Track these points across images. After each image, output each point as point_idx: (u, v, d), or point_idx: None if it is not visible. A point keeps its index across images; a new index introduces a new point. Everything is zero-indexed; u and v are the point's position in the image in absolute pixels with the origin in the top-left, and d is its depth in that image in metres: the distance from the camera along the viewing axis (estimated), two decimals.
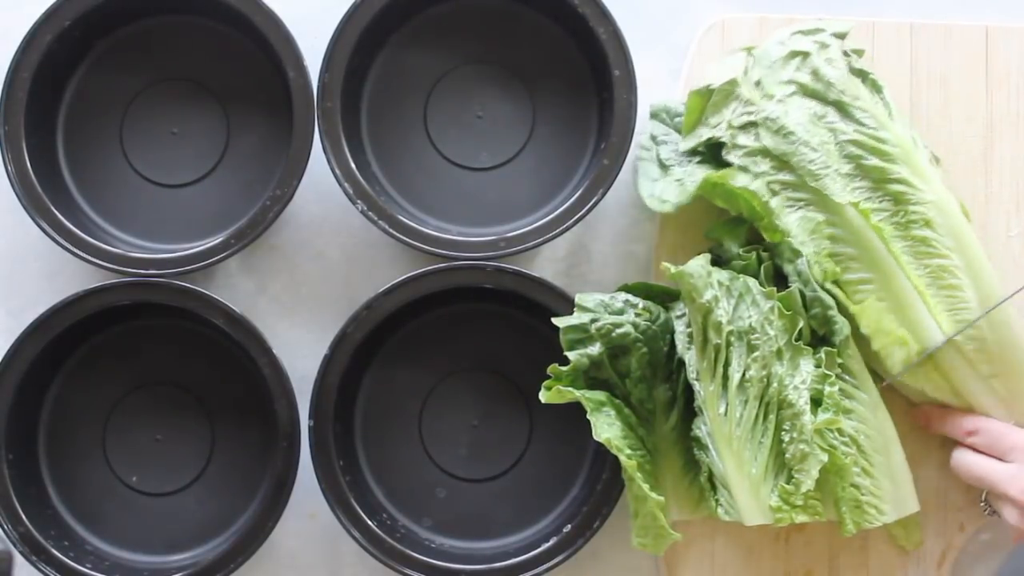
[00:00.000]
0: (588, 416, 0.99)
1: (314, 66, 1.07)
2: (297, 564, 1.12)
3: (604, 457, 1.05)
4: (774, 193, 1.03)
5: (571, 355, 1.01)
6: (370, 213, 1.06)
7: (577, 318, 1.02)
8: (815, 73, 1.02)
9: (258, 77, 1.13)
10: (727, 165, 1.05)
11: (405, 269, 1.13)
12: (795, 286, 1.00)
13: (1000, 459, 0.99)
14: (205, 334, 1.10)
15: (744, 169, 1.03)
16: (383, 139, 1.13)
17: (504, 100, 1.13)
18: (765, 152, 1.02)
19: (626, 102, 1.06)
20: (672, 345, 1.03)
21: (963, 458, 1.02)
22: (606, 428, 0.99)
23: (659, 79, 1.13)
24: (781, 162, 1.01)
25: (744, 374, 0.98)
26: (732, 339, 0.98)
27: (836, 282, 1.02)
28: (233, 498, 1.10)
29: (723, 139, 1.04)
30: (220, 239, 1.06)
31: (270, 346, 1.05)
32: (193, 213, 1.13)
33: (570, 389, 1.00)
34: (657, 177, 1.08)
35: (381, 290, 1.05)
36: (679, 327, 1.02)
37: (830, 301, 1.00)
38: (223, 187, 1.13)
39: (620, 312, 1.02)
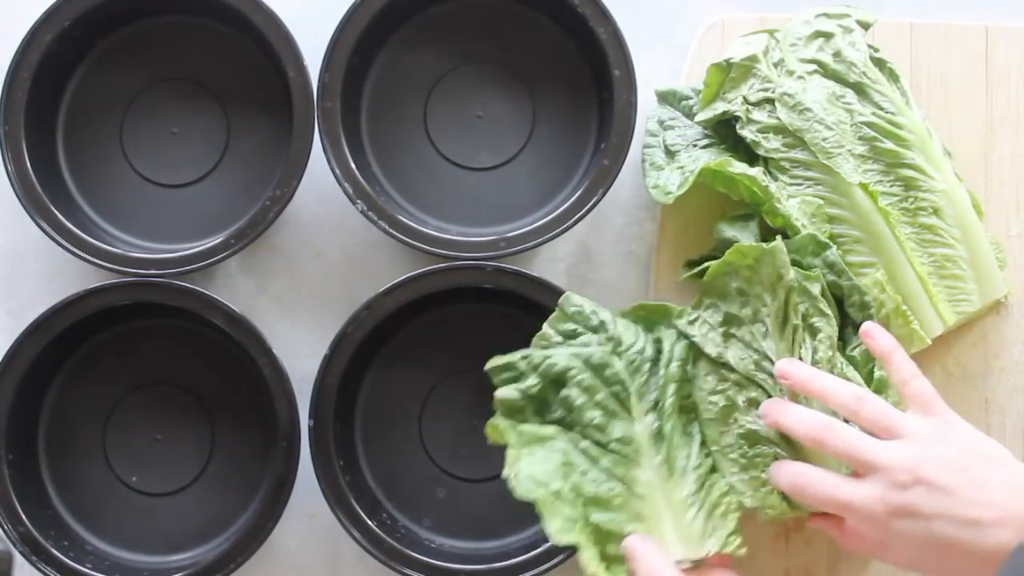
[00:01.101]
0: (508, 449, 0.95)
1: (314, 66, 1.07)
2: (297, 564, 1.12)
3: None
4: (777, 175, 1.03)
5: (501, 394, 0.97)
6: (370, 213, 1.05)
7: (508, 357, 0.98)
8: (837, 54, 1.03)
9: (258, 77, 1.13)
10: (734, 148, 1.06)
11: (405, 269, 1.13)
12: (818, 270, 1.00)
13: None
14: (205, 334, 1.10)
15: (756, 144, 1.03)
16: (383, 139, 1.13)
17: (504, 100, 1.13)
18: (779, 129, 1.02)
19: (626, 102, 1.06)
20: (652, 375, 0.99)
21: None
22: (529, 463, 0.94)
23: (659, 79, 1.13)
24: (795, 139, 1.02)
25: (813, 357, 0.97)
26: (808, 320, 0.98)
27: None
28: (233, 498, 1.10)
29: (738, 113, 1.04)
30: (220, 239, 1.06)
31: (270, 346, 1.05)
32: (193, 213, 1.12)
33: (507, 422, 0.96)
34: (663, 165, 1.08)
35: (381, 290, 1.05)
36: (699, 331, 0.99)
37: (863, 286, 1.00)
38: (223, 187, 1.13)
39: (595, 330, 0.99)
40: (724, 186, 1.06)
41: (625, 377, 0.98)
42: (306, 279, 1.15)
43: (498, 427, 0.96)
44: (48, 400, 1.11)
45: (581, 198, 1.06)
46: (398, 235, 1.05)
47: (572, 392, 0.97)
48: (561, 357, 0.98)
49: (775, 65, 1.05)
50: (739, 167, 1.03)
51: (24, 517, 1.05)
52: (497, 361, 0.98)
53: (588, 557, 0.92)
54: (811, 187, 1.03)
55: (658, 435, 0.98)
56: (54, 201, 1.07)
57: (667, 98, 1.11)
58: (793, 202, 1.02)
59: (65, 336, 1.06)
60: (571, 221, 1.05)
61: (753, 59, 1.05)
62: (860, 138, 1.02)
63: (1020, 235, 1.10)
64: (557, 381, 0.98)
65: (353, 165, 1.06)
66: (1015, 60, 1.12)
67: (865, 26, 1.06)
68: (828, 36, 1.04)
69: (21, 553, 1.04)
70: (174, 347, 1.12)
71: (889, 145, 1.02)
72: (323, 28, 1.08)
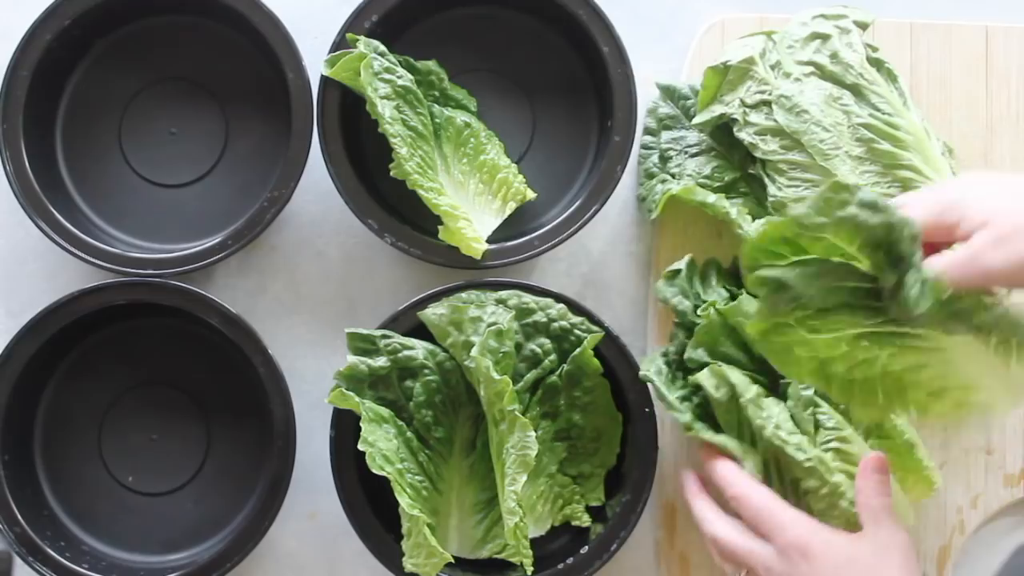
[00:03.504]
0: (361, 423, 0.99)
1: (314, 66, 1.07)
2: (296, 564, 1.11)
3: (623, 480, 1.05)
4: (775, 176, 1.03)
5: (352, 359, 1.02)
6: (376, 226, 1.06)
7: (370, 332, 1.03)
8: (834, 56, 1.03)
9: (257, 77, 1.13)
10: (730, 152, 1.06)
11: (404, 270, 1.13)
12: None
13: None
14: (201, 334, 1.10)
15: (753, 146, 1.03)
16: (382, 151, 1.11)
17: (504, 106, 1.12)
18: (776, 131, 1.02)
19: (624, 110, 1.06)
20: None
21: (715, 527, 0.96)
22: (380, 439, 0.99)
23: (659, 80, 1.13)
24: (792, 141, 1.02)
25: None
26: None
27: None
28: (229, 498, 1.10)
29: (735, 116, 1.04)
30: (218, 239, 1.06)
31: (265, 345, 1.05)
32: (191, 213, 1.12)
33: (352, 394, 1.00)
34: (656, 172, 1.09)
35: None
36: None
37: None
38: (221, 187, 1.13)
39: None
40: (699, 204, 1.06)
41: (463, 385, 1.04)
42: (306, 279, 1.15)
43: (344, 396, 1.00)
44: (44, 400, 1.11)
45: (583, 205, 1.06)
46: (402, 246, 1.05)
47: (417, 387, 1.02)
48: (420, 352, 1.03)
49: (772, 67, 1.04)
50: (700, 195, 1.04)
51: (20, 518, 1.04)
52: (359, 331, 1.03)
53: (427, 532, 0.98)
54: (808, 189, 1.02)
55: (471, 443, 1.04)
56: (53, 201, 1.07)
57: (669, 93, 1.11)
58: (759, 223, 1.03)
59: (61, 336, 1.06)
60: (574, 228, 1.06)
61: (750, 61, 1.04)
62: (857, 139, 1.02)
63: None
64: (406, 370, 1.03)
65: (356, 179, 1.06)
66: (1015, 60, 1.12)
67: (863, 26, 1.05)
68: (825, 38, 1.04)
69: (17, 554, 1.04)
70: (170, 347, 1.11)
71: (886, 146, 1.01)
72: (323, 28, 1.08)
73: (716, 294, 1.04)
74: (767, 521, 0.91)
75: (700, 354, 1.01)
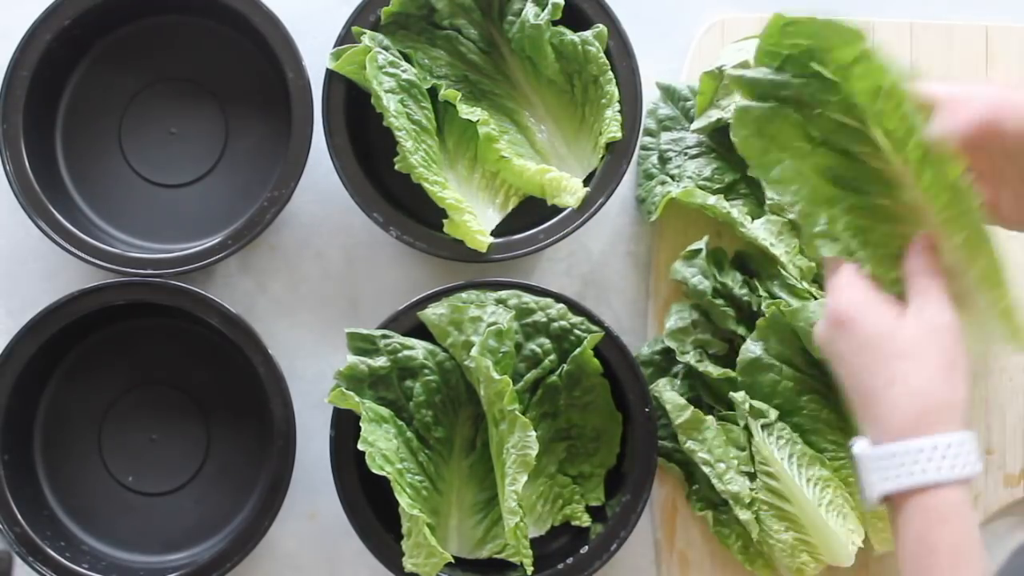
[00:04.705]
0: (361, 423, 0.99)
1: (314, 66, 1.07)
2: (296, 564, 1.12)
3: (623, 480, 1.05)
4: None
5: (352, 359, 1.02)
6: (376, 216, 1.05)
7: (370, 331, 1.03)
8: None
9: (257, 78, 1.13)
10: (728, 155, 1.06)
11: (404, 270, 1.13)
12: None
13: None
14: (201, 334, 1.10)
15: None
16: (388, 151, 1.10)
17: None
18: None
19: (630, 104, 1.06)
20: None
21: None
22: (380, 439, 0.99)
23: (659, 80, 1.13)
24: None
25: None
26: None
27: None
28: (229, 498, 1.10)
29: (731, 121, 1.03)
30: (218, 239, 1.06)
31: (265, 346, 1.05)
32: (191, 213, 1.13)
33: (352, 394, 1.00)
34: (655, 173, 1.09)
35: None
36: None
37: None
38: (221, 187, 1.13)
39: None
40: (699, 207, 1.06)
41: (463, 385, 1.04)
42: (306, 279, 1.15)
43: (344, 395, 1.00)
44: (44, 400, 1.11)
45: (588, 199, 1.06)
46: (406, 238, 1.05)
47: (417, 387, 1.03)
48: (420, 352, 1.03)
49: None
50: (700, 197, 1.04)
51: (20, 517, 1.04)
52: (359, 330, 1.02)
53: (427, 532, 0.97)
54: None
55: (471, 443, 1.05)
56: (52, 201, 1.07)
57: (669, 94, 1.11)
58: (759, 222, 1.02)
59: (61, 336, 1.06)
60: (575, 224, 1.05)
61: (745, 65, 1.04)
62: None
63: (1020, 235, 1.09)
64: (406, 370, 1.03)
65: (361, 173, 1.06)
66: (1015, 60, 1.12)
67: None
68: None
69: (17, 554, 1.03)
70: (170, 347, 1.11)
71: None
72: (323, 28, 1.08)
73: (731, 277, 1.04)
74: (829, 284, 0.85)
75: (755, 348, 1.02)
